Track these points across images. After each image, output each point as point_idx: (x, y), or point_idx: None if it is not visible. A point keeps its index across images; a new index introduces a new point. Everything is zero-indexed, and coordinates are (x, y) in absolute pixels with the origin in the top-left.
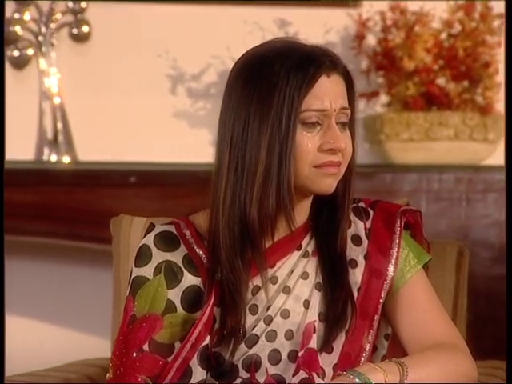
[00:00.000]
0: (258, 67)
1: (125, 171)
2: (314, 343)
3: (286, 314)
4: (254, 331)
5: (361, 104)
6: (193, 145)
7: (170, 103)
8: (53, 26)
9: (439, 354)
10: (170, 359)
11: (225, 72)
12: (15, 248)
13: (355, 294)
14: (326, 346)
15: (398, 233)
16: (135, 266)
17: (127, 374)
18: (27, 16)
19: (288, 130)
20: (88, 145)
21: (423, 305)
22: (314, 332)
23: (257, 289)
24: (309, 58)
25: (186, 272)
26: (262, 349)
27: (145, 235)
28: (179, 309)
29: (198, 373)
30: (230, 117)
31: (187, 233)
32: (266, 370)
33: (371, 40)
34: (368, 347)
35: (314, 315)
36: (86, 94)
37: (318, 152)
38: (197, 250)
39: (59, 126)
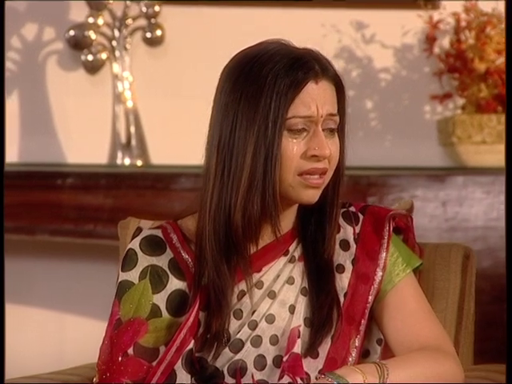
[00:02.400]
0: (247, 69)
1: (196, 174)
2: (298, 348)
3: (271, 319)
4: (238, 336)
5: (436, 107)
6: None
7: None
8: (126, 30)
9: (422, 355)
10: (154, 363)
11: None
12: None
13: (342, 299)
14: (311, 350)
15: (386, 237)
16: (121, 271)
17: (113, 378)
18: (101, 21)
19: (274, 137)
20: (161, 148)
21: (410, 308)
22: (299, 337)
23: (242, 293)
24: (297, 62)
25: (171, 276)
26: (248, 354)
27: (131, 239)
28: (164, 313)
29: (183, 377)
30: (219, 118)
31: (174, 237)
32: (252, 375)
33: (446, 42)
34: (355, 352)
35: (299, 320)
36: (159, 98)
37: (302, 159)
38: (183, 254)
39: (132, 129)
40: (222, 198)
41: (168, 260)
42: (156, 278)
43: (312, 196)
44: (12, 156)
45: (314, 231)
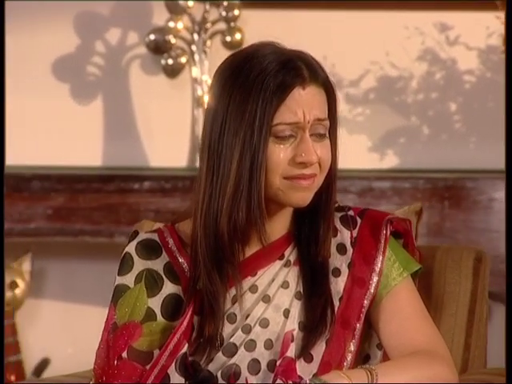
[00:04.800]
0: (236, 72)
1: None
2: (292, 352)
3: (265, 324)
4: (231, 340)
5: None
6: (351, 151)
7: None
8: (205, 34)
9: (413, 359)
10: (148, 367)
11: (384, 78)
12: None
13: (337, 303)
14: (304, 352)
15: (383, 241)
16: (118, 275)
17: (109, 382)
18: (180, 25)
19: (259, 144)
20: None
21: (405, 313)
22: (292, 341)
23: (236, 298)
24: (285, 67)
25: (166, 280)
26: (242, 359)
27: (128, 243)
28: (159, 317)
29: (176, 380)
30: (209, 122)
31: (170, 241)
32: (246, 379)
33: None
34: (350, 357)
35: (293, 324)
36: None
37: (290, 165)
38: (179, 258)
39: None
40: (211, 203)
41: (163, 264)
42: (151, 282)
43: (302, 199)
44: (95, 160)
45: (308, 234)
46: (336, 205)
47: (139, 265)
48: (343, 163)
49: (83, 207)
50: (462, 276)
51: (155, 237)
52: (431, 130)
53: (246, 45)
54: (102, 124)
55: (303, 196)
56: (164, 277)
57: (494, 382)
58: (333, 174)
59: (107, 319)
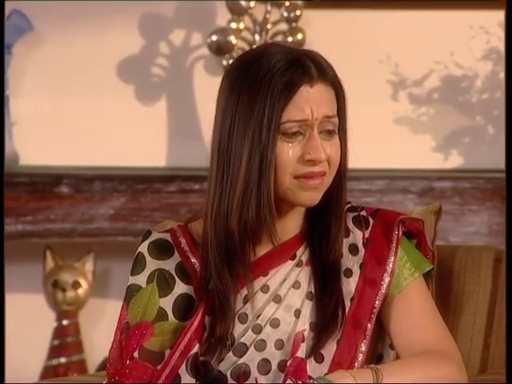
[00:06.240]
0: (245, 71)
1: None
2: (302, 352)
3: (275, 324)
4: (242, 340)
5: None
6: (415, 151)
7: (391, 109)
8: (267, 35)
9: (421, 359)
10: (159, 367)
11: (448, 77)
12: None
13: (348, 303)
14: (315, 352)
15: (395, 242)
16: (130, 274)
17: (121, 381)
18: (242, 25)
19: (268, 142)
20: None
21: (415, 312)
22: (303, 341)
23: (247, 297)
24: (293, 66)
25: (178, 280)
26: (252, 358)
27: (141, 243)
28: (171, 317)
29: (187, 380)
30: (219, 121)
31: (183, 241)
32: (256, 379)
33: None
34: (361, 357)
35: (304, 325)
36: None
37: (299, 163)
38: (191, 258)
39: None
40: (221, 203)
41: (175, 264)
42: (163, 282)
43: (311, 198)
44: (159, 160)
45: (319, 233)
46: (349, 205)
47: (151, 265)
48: (405, 163)
49: (145, 207)
50: (482, 276)
51: (167, 237)
52: (496, 129)
53: (307, 45)
54: (165, 124)
55: (312, 196)
56: (176, 277)
57: (493, 382)
58: (343, 173)
59: (120, 319)
